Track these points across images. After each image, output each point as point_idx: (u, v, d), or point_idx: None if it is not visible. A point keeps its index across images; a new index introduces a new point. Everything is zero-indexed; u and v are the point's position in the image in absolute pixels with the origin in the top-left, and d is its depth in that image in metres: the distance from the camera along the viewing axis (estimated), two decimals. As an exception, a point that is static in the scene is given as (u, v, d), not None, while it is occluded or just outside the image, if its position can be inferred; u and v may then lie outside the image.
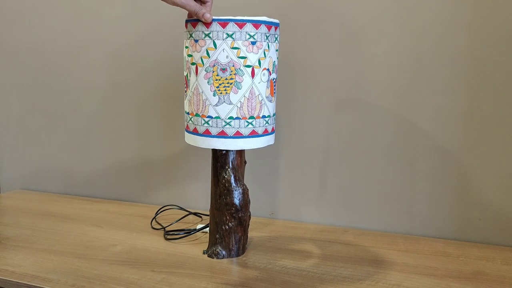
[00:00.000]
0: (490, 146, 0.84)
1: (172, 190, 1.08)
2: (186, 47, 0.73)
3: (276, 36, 0.72)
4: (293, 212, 0.98)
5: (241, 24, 0.67)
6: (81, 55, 1.13)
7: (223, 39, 0.68)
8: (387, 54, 0.88)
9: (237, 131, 0.70)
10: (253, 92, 0.70)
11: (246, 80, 0.69)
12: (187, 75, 0.73)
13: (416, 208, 0.89)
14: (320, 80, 0.93)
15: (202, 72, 0.70)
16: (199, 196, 1.05)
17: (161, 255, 0.77)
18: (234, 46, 0.68)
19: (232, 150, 0.74)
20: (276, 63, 0.74)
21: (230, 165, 0.74)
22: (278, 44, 0.74)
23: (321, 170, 0.95)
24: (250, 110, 0.70)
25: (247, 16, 0.69)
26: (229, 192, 0.74)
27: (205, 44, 0.69)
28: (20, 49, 1.19)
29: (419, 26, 0.85)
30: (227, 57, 0.68)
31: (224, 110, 0.69)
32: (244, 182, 0.77)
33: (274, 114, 0.75)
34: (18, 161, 1.23)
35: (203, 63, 0.69)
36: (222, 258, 0.75)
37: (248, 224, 0.78)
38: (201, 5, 0.71)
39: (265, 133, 0.73)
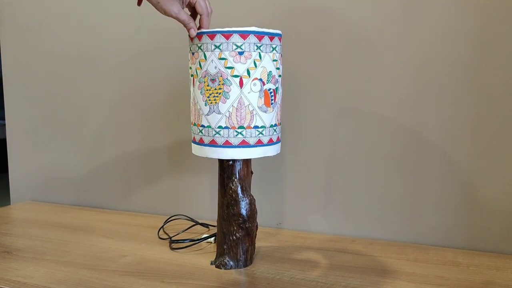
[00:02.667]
0: (498, 154, 0.84)
1: (180, 200, 1.09)
2: (189, 60, 0.76)
3: (274, 46, 0.72)
4: (300, 222, 0.98)
5: (227, 35, 0.70)
6: (89, 68, 1.15)
7: (212, 51, 0.71)
8: (392, 65, 0.89)
9: (226, 141, 0.71)
10: (242, 102, 0.70)
11: (234, 90, 0.70)
12: (190, 86, 0.76)
13: (425, 217, 0.89)
14: (326, 90, 0.94)
15: (196, 83, 0.73)
16: (207, 206, 1.05)
17: (170, 266, 0.77)
18: (222, 56, 0.70)
19: (238, 161, 0.74)
20: (276, 73, 0.73)
21: (237, 176, 0.75)
22: (278, 54, 0.73)
23: (328, 179, 0.95)
24: (239, 120, 0.71)
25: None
26: (236, 202, 0.74)
27: (198, 56, 0.72)
28: (30, 62, 1.22)
29: (424, 37, 0.86)
30: (215, 67, 0.71)
31: (214, 120, 0.72)
32: (251, 193, 0.78)
33: (274, 125, 0.74)
34: (28, 173, 1.25)
35: (197, 74, 0.73)
36: (230, 268, 0.76)
37: (256, 235, 0.78)
38: (198, 16, 0.74)
39: (259, 143, 0.72)
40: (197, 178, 1.06)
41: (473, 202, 0.86)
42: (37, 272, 0.75)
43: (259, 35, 0.70)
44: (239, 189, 0.74)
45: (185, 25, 0.73)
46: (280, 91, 0.75)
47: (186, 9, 0.75)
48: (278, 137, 0.76)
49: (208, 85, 0.71)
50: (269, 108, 0.72)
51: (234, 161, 0.74)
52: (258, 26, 0.94)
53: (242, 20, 0.98)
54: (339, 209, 0.95)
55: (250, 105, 0.71)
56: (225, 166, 0.75)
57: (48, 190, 1.23)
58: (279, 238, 0.92)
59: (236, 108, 0.71)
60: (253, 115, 0.71)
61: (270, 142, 0.74)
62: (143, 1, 0.73)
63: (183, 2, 0.73)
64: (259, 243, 0.88)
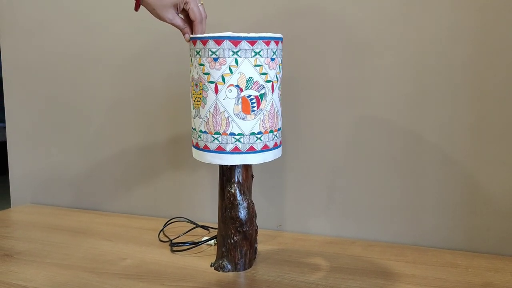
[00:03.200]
0: (497, 155, 0.84)
1: (180, 203, 1.09)
2: None
3: (257, 50, 0.69)
4: (300, 224, 0.98)
5: (204, 41, 0.70)
6: (89, 69, 1.15)
7: (194, 56, 0.73)
8: (392, 66, 0.89)
9: (205, 145, 0.73)
10: (218, 108, 0.70)
11: (211, 95, 0.71)
12: None
13: (424, 219, 0.89)
14: (326, 93, 0.94)
15: (190, 88, 0.76)
16: (208, 208, 1.06)
17: (170, 269, 0.77)
18: (200, 62, 0.72)
19: (238, 164, 0.75)
20: (260, 78, 0.70)
21: (236, 179, 0.75)
22: (263, 58, 0.70)
23: (327, 182, 0.95)
24: (215, 125, 0.71)
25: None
26: (234, 206, 0.74)
27: (191, 62, 0.74)
28: (30, 63, 1.22)
29: (424, 38, 0.86)
30: (197, 73, 0.72)
31: (197, 123, 0.74)
32: (252, 195, 0.78)
33: (257, 133, 0.71)
34: (28, 175, 1.25)
35: (190, 79, 0.75)
36: (228, 271, 0.76)
37: (256, 238, 0.78)
38: (193, 23, 0.76)
39: (236, 151, 0.71)
40: (197, 181, 1.06)
41: (472, 204, 0.86)
42: (38, 275, 0.75)
43: (235, 40, 0.68)
44: (237, 192, 0.74)
45: (180, 30, 0.76)
46: (271, 97, 0.72)
47: (181, 15, 0.77)
48: (265, 145, 0.72)
49: (193, 90, 0.74)
50: (248, 116, 0.70)
51: (233, 164, 0.75)
52: (258, 29, 0.95)
53: (242, 24, 0.99)
54: (339, 211, 0.95)
55: (225, 112, 0.70)
56: (224, 170, 0.75)
57: (48, 193, 1.23)
58: (279, 240, 0.92)
59: (212, 114, 0.71)
60: (228, 122, 0.70)
61: (251, 150, 0.71)
62: (140, 7, 0.75)
63: (177, 9, 0.74)
64: (259, 245, 0.88)
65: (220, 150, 0.71)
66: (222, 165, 0.76)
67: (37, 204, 1.23)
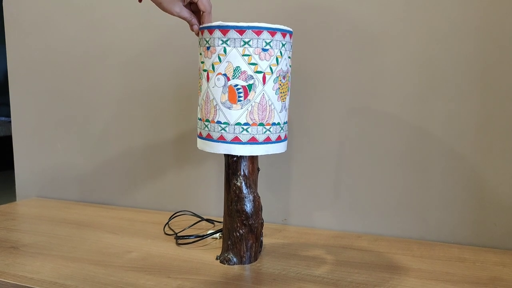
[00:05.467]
0: (503, 149, 0.83)
1: (185, 196, 1.09)
2: None
3: (246, 40, 0.68)
4: (306, 218, 0.98)
5: (202, 31, 0.73)
6: (94, 65, 1.15)
7: (198, 46, 0.75)
8: (398, 62, 0.88)
9: (200, 132, 0.74)
10: (208, 96, 0.72)
11: (204, 84, 0.73)
12: None
13: (430, 214, 0.89)
14: (332, 87, 0.93)
15: None
16: (213, 202, 1.06)
17: (175, 262, 0.77)
18: (200, 51, 0.74)
19: (243, 157, 0.74)
20: (249, 69, 0.69)
21: (242, 172, 0.75)
22: (253, 48, 0.69)
23: (333, 176, 0.95)
24: (206, 113, 0.73)
25: (220, 21, 0.71)
26: (240, 199, 0.74)
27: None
28: (36, 59, 1.22)
29: (429, 33, 0.85)
30: (199, 61, 0.75)
31: (197, 110, 0.75)
32: (257, 189, 0.77)
33: (242, 124, 0.70)
34: (34, 169, 1.26)
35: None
36: (234, 264, 0.76)
37: (261, 231, 0.78)
38: (202, 13, 0.76)
39: (221, 139, 0.71)
40: (202, 174, 1.06)
41: (479, 198, 0.85)
42: (44, 267, 0.75)
43: (224, 29, 0.69)
44: (243, 185, 0.74)
45: (188, 22, 0.76)
46: (262, 88, 0.70)
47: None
48: (252, 137, 0.71)
49: (199, 77, 0.76)
50: (234, 105, 0.70)
51: (238, 157, 0.74)
52: (268, 22, 0.94)
53: (249, 16, 0.98)
54: (345, 205, 0.95)
55: (214, 100, 0.71)
56: (230, 163, 0.75)
57: (54, 187, 1.23)
58: (284, 234, 0.92)
59: (205, 102, 0.73)
60: (216, 110, 0.71)
61: (236, 141, 0.70)
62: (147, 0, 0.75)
63: (184, 1, 0.74)
64: (265, 239, 0.88)
65: (209, 137, 0.72)
66: (227, 158, 0.75)
67: (43, 198, 1.23)
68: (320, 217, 0.97)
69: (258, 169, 0.79)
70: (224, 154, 0.75)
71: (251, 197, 0.74)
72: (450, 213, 0.87)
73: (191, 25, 0.76)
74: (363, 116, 0.92)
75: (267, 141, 0.72)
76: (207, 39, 0.71)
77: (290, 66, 0.74)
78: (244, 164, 0.75)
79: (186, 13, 0.75)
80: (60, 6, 1.17)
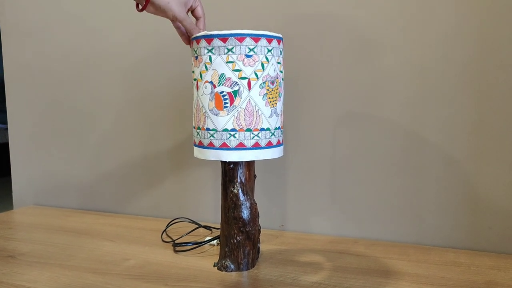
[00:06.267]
0: (498, 154, 0.84)
1: (182, 203, 1.09)
2: None
3: (229, 48, 0.69)
4: (302, 223, 0.98)
5: (192, 42, 0.75)
6: (91, 72, 1.15)
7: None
8: (392, 66, 0.89)
9: (194, 140, 0.76)
10: (198, 104, 0.74)
11: (195, 92, 0.75)
12: None
13: (426, 218, 0.90)
14: (328, 92, 0.94)
15: None
16: (210, 209, 1.06)
17: (173, 269, 0.77)
18: (192, 62, 0.76)
19: (240, 164, 0.75)
20: (233, 75, 0.70)
21: (238, 179, 0.75)
22: (236, 55, 0.70)
23: (329, 181, 0.96)
24: (197, 121, 0.75)
25: (204, 31, 0.73)
26: (237, 206, 0.74)
27: None
28: (32, 66, 1.22)
29: (425, 38, 0.86)
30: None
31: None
32: (254, 195, 0.78)
33: (229, 130, 0.71)
34: (30, 177, 1.25)
35: None
36: (231, 271, 0.76)
37: (258, 238, 0.79)
38: (199, 20, 0.78)
39: (211, 146, 0.73)
40: (199, 181, 1.07)
41: (474, 202, 0.86)
42: (41, 276, 0.75)
43: (208, 39, 0.70)
44: (240, 192, 0.75)
45: (189, 29, 0.75)
46: (247, 94, 0.70)
47: None
48: (240, 143, 0.71)
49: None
50: (221, 112, 0.71)
51: (235, 164, 0.75)
52: (260, 29, 0.95)
53: (248, 25, 0.99)
54: (341, 210, 0.95)
55: (203, 107, 0.73)
56: (227, 170, 0.76)
57: (51, 194, 1.23)
58: (281, 240, 0.92)
59: (196, 110, 0.75)
60: (205, 117, 0.73)
61: (224, 147, 0.71)
62: (147, 7, 0.73)
63: (189, 7, 0.76)
64: (262, 245, 0.88)
65: (200, 144, 0.74)
66: (224, 165, 0.76)
67: (40, 206, 1.23)
68: (316, 222, 0.98)
69: (255, 176, 0.79)
70: (221, 161, 0.76)
71: (248, 204, 0.75)
72: (446, 218, 0.88)
73: (191, 31, 0.75)
74: (358, 121, 0.92)
75: (256, 146, 0.72)
76: (195, 49, 0.73)
77: (281, 71, 0.75)
78: (241, 171, 0.75)
79: (189, 19, 0.75)
80: (56, 14, 1.17)
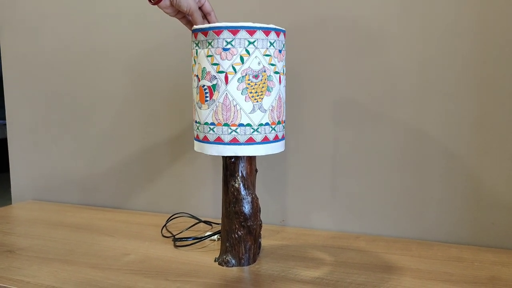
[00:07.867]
0: (500, 149, 0.83)
1: (182, 198, 1.08)
2: None
3: (209, 41, 0.69)
4: (304, 219, 0.98)
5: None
6: (90, 67, 1.14)
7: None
8: (394, 61, 0.88)
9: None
10: (192, 98, 0.76)
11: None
12: None
13: (428, 213, 0.89)
14: (328, 87, 0.93)
15: None
16: (210, 204, 1.05)
17: (174, 264, 0.77)
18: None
19: (241, 159, 0.74)
20: (212, 69, 0.69)
21: (240, 174, 0.74)
22: (214, 49, 0.68)
23: (331, 176, 0.95)
24: (193, 114, 0.76)
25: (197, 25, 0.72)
26: (238, 200, 0.74)
27: None
28: (31, 61, 1.21)
29: (426, 32, 0.85)
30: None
31: None
32: (256, 190, 0.77)
33: (209, 123, 0.71)
34: (29, 172, 1.25)
35: None
36: (232, 266, 0.75)
37: (259, 233, 0.78)
38: (210, 14, 0.77)
39: (197, 138, 0.74)
40: (199, 176, 1.06)
41: (477, 198, 0.86)
42: (41, 271, 0.74)
43: (195, 33, 0.71)
44: (241, 187, 0.74)
45: (198, 22, 0.74)
46: (224, 88, 0.69)
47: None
48: (218, 137, 0.70)
49: None
50: (203, 105, 0.71)
51: (236, 158, 0.74)
52: (262, 23, 0.94)
53: (250, 18, 0.98)
54: (342, 205, 0.95)
55: (194, 101, 0.75)
56: (228, 164, 0.75)
57: (50, 189, 1.22)
58: (283, 236, 0.92)
59: (192, 103, 0.76)
60: (195, 110, 0.74)
61: (205, 140, 0.72)
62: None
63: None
64: (263, 240, 0.88)
65: (196, 137, 0.76)
66: (225, 160, 0.75)
67: (39, 201, 1.22)
68: (318, 217, 0.97)
69: (256, 170, 0.79)
70: (222, 156, 0.75)
71: (249, 199, 0.74)
72: (448, 213, 0.88)
73: (199, 24, 0.74)
74: (360, 116, 0.92)
75: (234, 142, 0.70)
76: (191, 44, 0.74)
77: (271, 64, 0.70)
78: (242, 166, 0.75)
79: (199, 13, 0.75)
80: (54, 8, 1.16)
